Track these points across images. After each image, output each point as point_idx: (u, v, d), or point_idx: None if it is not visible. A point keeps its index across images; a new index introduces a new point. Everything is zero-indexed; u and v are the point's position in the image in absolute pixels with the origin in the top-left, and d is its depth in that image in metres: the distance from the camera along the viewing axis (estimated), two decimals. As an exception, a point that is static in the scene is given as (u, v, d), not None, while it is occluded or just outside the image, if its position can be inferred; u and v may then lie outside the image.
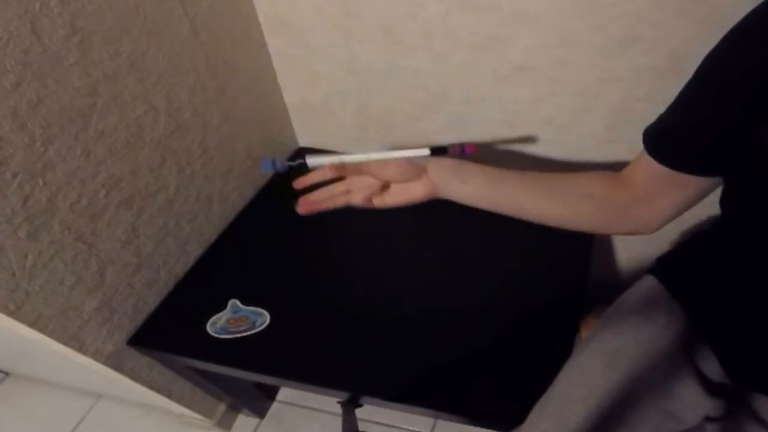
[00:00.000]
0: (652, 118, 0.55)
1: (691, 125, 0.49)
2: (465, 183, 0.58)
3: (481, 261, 0.87)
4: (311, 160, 0.59)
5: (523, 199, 0.59)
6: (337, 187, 0.62)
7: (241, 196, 1.00)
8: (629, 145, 0.89)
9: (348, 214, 0.93)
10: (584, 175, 0.59)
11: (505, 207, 0.59)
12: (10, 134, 0.56)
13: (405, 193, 0.60)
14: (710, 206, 0.57)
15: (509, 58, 0.82)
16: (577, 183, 0.59)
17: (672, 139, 0.51)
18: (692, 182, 0.52)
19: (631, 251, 1.10)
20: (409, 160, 0.57)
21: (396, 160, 0.57)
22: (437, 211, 0.93)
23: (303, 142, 1.16)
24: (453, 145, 0.56)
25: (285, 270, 0.87)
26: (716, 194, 0.56)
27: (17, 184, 0.58)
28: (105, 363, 0.76)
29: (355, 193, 0.61)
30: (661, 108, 0.54)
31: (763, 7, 0.43)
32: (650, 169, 0.53)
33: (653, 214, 0.57)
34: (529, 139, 0.95)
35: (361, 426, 0.81)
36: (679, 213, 0.57)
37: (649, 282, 0.67)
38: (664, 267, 0.67)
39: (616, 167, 0.90)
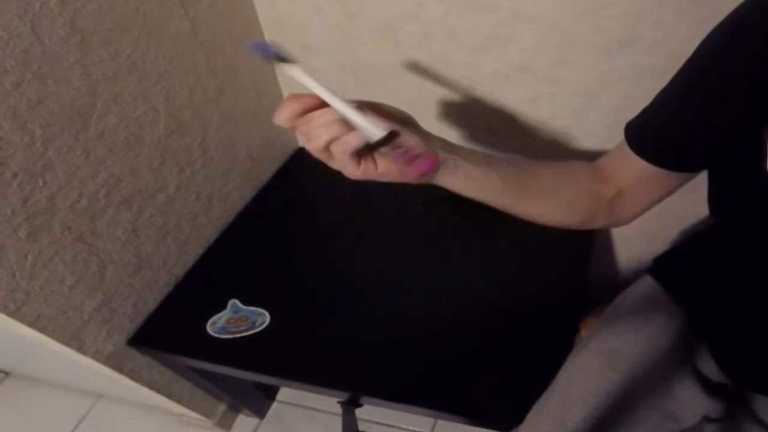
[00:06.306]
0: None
1: (679, 123, 0.48)
2: (468, 160, 0.50)
3: (481, 261, 0.87)
4: (294, 72, 0.44)
5: (514, 192, 0.54)
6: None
7: (241, 196, 1.00)
8: (629, 145, 0.89)
9: (348, 214, 0.93)
10: (571, 170, 0.57)
11: (493, 197, 0.54)
12: (10, 134, 0.56)
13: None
14: (710, 206, 0.57)
15: (509, 58, 0.82)
16: (566, 179, 0.56)
17: (660, 138, 0.50)
18: (677, 177, 0.51)
19: (631, 251, 1.10)
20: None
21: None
22: (437, 211, 0.94)
23: (303, 142, 1.16)
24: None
25: (285, 270, 0.87)
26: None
27: (17, 184, 0.58)
28: (105, 363, 0.76)
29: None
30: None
31: (750, 3, 0.43)
32: (635, 165, 0.51)
33: (633, 208, 0.56)
34: (529, 140, 0.95)
35: (361, 426, 0.81)
36: (654, 205, 0.56)
37: (647, 282, 0.67)
38: (662, 267, 0.67)
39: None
